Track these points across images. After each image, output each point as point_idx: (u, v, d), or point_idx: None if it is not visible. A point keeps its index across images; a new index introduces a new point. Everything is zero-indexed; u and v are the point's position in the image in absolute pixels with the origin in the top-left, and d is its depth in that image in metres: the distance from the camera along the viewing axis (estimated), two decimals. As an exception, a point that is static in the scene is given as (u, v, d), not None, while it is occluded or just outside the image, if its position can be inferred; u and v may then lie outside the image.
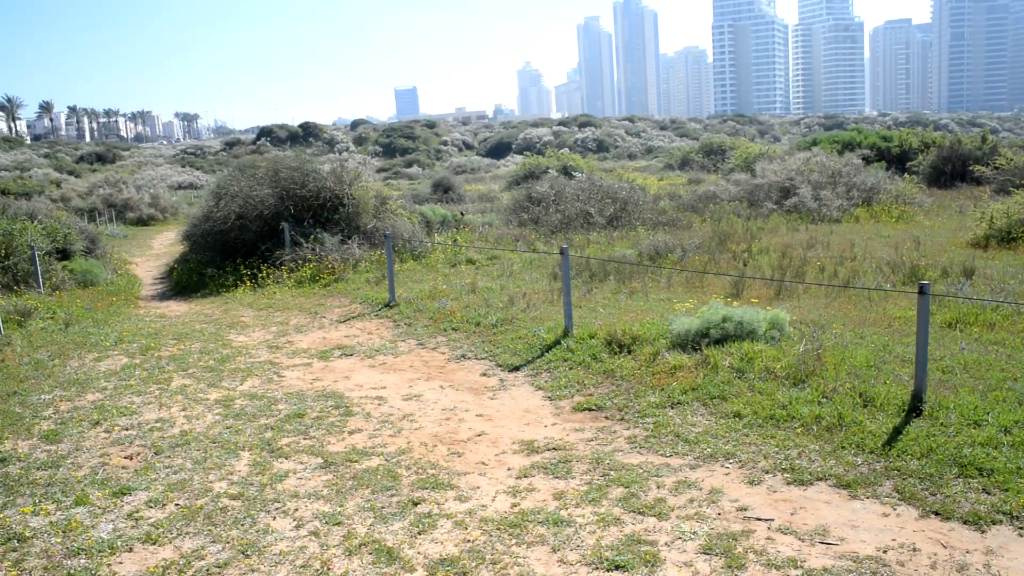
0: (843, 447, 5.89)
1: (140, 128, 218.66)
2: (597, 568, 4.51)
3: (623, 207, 20.22)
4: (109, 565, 4.80)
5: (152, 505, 5.58)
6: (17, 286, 14.41)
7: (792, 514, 5.04)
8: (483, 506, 5.37)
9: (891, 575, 4.31)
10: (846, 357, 7.60)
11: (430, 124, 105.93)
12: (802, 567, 4.41)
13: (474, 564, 4.61)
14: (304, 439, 6.82)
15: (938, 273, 12.01)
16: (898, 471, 5.46)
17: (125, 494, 5.77)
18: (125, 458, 6.53)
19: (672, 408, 7.02)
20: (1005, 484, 5.13)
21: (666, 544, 4.73)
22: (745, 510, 5.13)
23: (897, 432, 5.97)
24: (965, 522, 4.80)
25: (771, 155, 31.27)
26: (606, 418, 7.03)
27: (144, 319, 13.02)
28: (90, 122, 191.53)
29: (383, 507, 5.40)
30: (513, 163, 60.33)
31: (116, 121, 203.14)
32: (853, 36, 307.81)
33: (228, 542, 5.00)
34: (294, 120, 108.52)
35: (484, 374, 8.66)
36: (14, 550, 5.00)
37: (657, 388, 7.46)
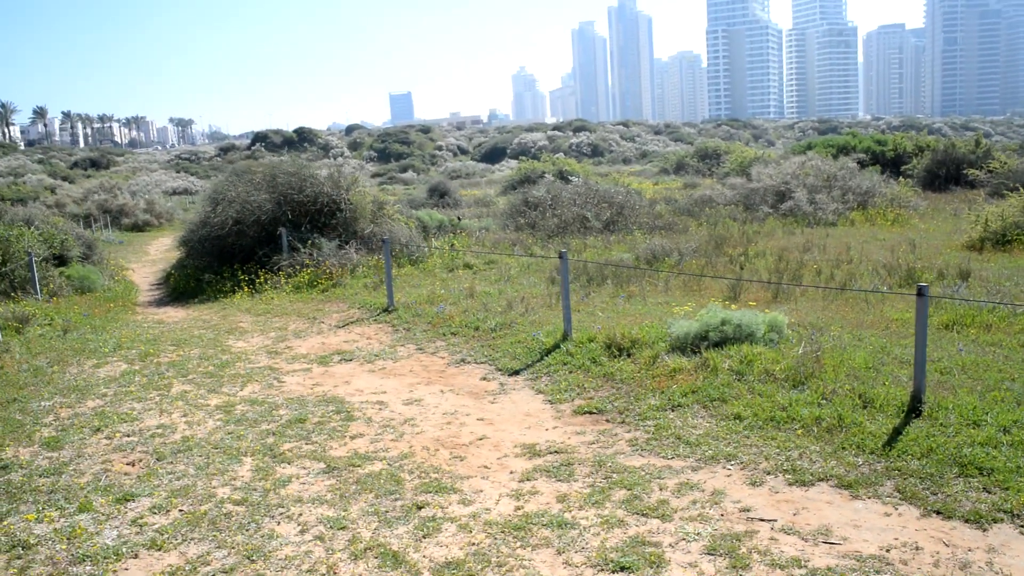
0: (844, 448, 5.93)
1: (134, 133, 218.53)
2: (602, 570, 4.53)
3: (619, 211, 20.28)
4: (115, 572, 4.81)
5: (156, 511, 5.59)
6: (14, 292, 14.41)
7: (795, 514, 5.07)
8: (487, 509, 5.39)
9: (894, 574, 4.35)
10: (845, 359, 7.64)
11: (425, 129, 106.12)
12: (806, 567, 4.44)
13: (480, 567, 4.63)
14: (306, 444, 6.83)
15: (934, 275, 12.07)
16: (899, 471, 5.49)
17: (128, 500, 5.78)
18: (127, 464, 6.53)
19: (672, 411, 7.04)
20: (1005, 483, 5.17)
21: (670, 545, 4.75)
22: (748, 511, 5.15)
23: (897, 433, 6.00)
24: (966, 521, 4.84)
25: (766, 159, 31.38)
26: (607, 421, 7.05)
27: (142, 325, 13.02)
28: (84, 127, 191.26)
29: (387, 511, 5.42)
30: (508, 168, 60.43)
31: (110, 126, 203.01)
32: (847, 41, 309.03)
33: (233, 547, 5.01)
34: (289, 125, 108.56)
35: (484, 378, 8.68)
36: (19, 557, 5.01)
37: (657, 391, 7.49)
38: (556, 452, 6.38)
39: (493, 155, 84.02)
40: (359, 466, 6.26)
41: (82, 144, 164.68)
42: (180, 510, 5.58)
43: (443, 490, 5.72)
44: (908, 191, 23.58)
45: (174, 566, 4.82)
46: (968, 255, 14.30)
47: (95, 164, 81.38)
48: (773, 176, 23.95)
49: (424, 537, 5.03)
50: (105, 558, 4.94)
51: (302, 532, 5.18)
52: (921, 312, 6.40)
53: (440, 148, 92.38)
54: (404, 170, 67.83)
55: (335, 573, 4.66)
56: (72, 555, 5.00)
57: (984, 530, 4.74)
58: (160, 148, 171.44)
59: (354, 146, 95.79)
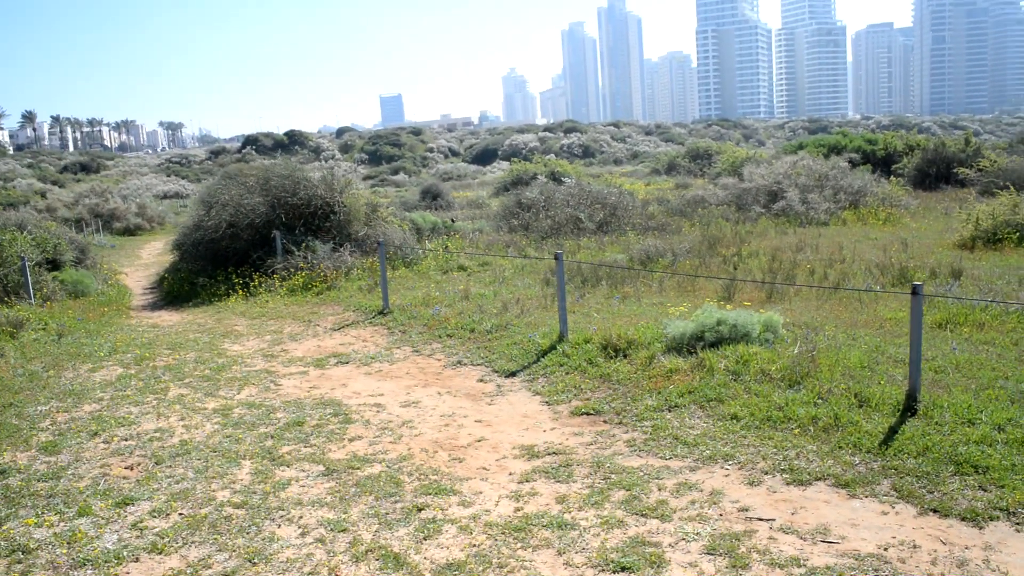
0: (840, 447, 5.97)
1: (124, 137, 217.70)
2: (603, 570, 4.56)
3: (613, 212, 20.33)
4: (116, 575, 4.82)
5: (156, 515, 5.59)
6: (8, 297, 14.36)
7: (793, 514, 5.11)
8: (487, 511, 5.41)
9: (893, 572, 4.39)
10: (840, 358, 7.69)
11: (416, 131, 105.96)
12: (805, 565, 4.48)
13: (481, 568, 4.66)
14: (305, 447, 6.84)
15: (927, 274, 12.14)
16: (895, 470, 5.54)
17: (128, 504, 5.78)
18: (126, 468, 6.53)
19: (670, 411, 7.08)
20: (1001, 481, 5.22)
21: (670, 545, 4.79)
22: (746, 511, 5.19)
23: (893, 431, 6.05)
24: (963, 519, 4.89)
25: (758, 159, 31.48)
26: (604, 422, 7.09)
27: (137, 329, 12.99)
28: (73, 132, 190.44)
29: (387, 513, 5.43)
30: (500, 169, 60.47)
31: (100, 130, 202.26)
32: (835, 40, 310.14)
33: (234, 550, 5.02)
34: (279, 128, 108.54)
35: (481, 380, 8.70)
36: (19, 562, 5.01)
37: (654, 391, 7.52)
38: (554, 453, 6.40)
39: (484, 157, 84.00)
40: (358, 468, 6.28)
41: (71, 148, 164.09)
42: (180, 513, 5.59)
43: (443, 492, 5.75)
44: (899, 190, 23.70)
45: (175, 569, 4.83)
46: (960, 254, 14.40)
47: (85, 168, 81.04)
48: (765, 176, 24.04)
49: (425, 539, 5.05)
50: (106, 562, 4.95)
51: (303, 534, 5.20)
52: (916, 311, 6.45)
53: (431, 150, 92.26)
54: (395, 172, 67.75)
55: (337, 575, 4.68)
56: (73, 559, 5.00)
57: (980, 528, 4.79)
58: (150, 152, 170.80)
59: (345, 148, 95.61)
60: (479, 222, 22.74)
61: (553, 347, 9.17)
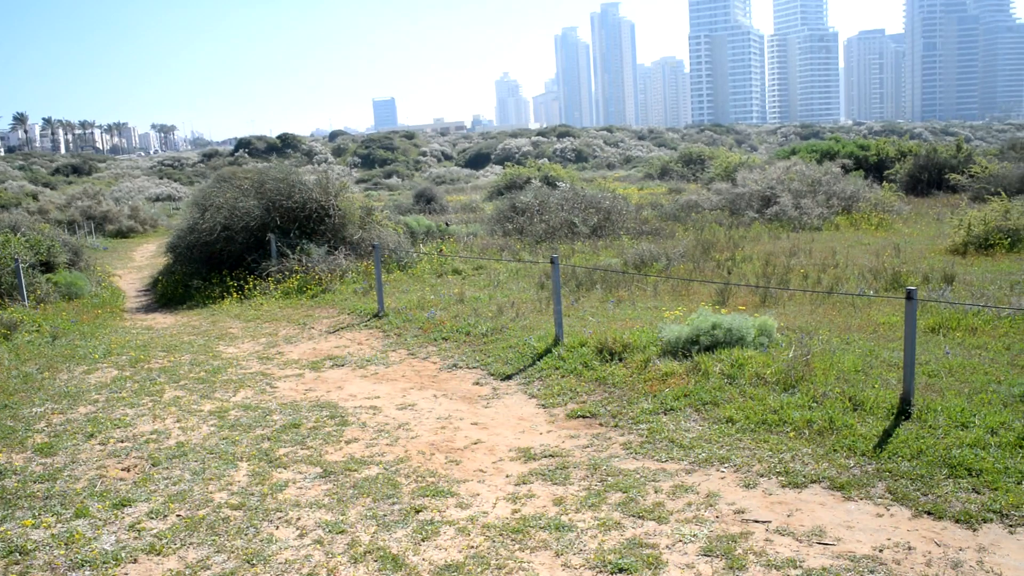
0: (835, 450, 6.02)
1: (116, 140, 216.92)
2: (601, 572, 4.59)
3: (607, 217, 20.39)
4: (114, 576, 4.82)
5: (153, 516, 5.60)
6: (1, 299, 14.32)
7: (789, 516, 5.15)
8: (484, 513, 5.43)
9: (888, 573, 4.43)
10: (834, 362, 7.74)
11: (409, 135, 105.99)
12: (801, 567, 4.51)
13: (479, 570, 4.68)
14: (301, 449, 6.85)
15: (919, 279, 12.23)
16: (890, 472, 5.58)
17: (125, 506, 5.78)
18: (123, 470, 6.53)
19: (665, 414, 7.12)
20: (994, 484, 5.27)
21: (667, 547, 4.82)
22: (742, 513, 5.23)
23: (887, 435, 6.10)
24: (957, 521, 4.93)
25: (751, 164, 31.62)
26: (600, 425, 7.12)
27: (131, 331, 12.97)
28: (65, 134, 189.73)
29: (385, 515, 5.45)
30: (493, 173, 60.55)
31: (92, 133, 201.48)
32: (828, 46, 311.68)
33: (233, 552, 5.03)
34: (272, 131, 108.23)
35: (477, 383, 8.72)
36: (16, 563, 5.00)
37: (649, 395, 7.56)
38: (551, 456, 6.43)
39: (477, 161, 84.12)
40: (355, 470, 6.29)
41: (63, 150, 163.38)
42: (178, 515, 5.60)
43: (440, 494, 5.77)
44: (891, 196, 23.82)
45: (174, 571, 4.84)
46: (952, 259, 14.50)
47: (77, 170, 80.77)
48: (758, 181, 24.16)
49: (423, 540, 5.07)
50: (104, 563, 4.95)
51: (301, 536, 5.21)
52: (910, 315, 6.50)
53: (424, 154, 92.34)
54: (388, 176, 67.83)
55: (336, 577, 4.69)
56: (71, 560, 5.00)
57: (974, 530, 4.83)
58: (142, 154, 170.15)
59: (338, 152, 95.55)
60: (473, 226, 22.77)
61: (548, 350, 9.20)
